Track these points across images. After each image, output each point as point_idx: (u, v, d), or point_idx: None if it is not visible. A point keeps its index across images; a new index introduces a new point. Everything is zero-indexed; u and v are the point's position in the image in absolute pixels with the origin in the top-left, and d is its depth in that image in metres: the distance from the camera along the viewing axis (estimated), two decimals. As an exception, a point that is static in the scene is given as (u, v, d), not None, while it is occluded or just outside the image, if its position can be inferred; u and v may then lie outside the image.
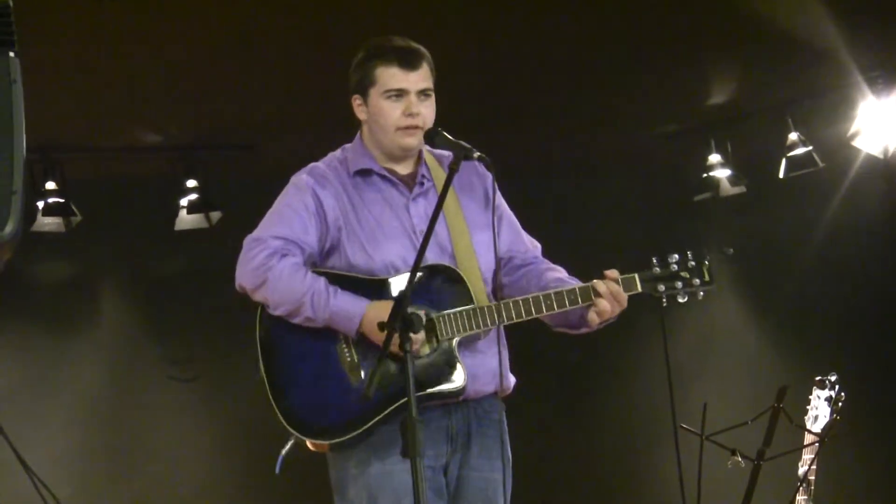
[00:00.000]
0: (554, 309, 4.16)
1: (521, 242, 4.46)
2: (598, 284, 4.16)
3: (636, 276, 4.23)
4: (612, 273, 4.20)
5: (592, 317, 4.19)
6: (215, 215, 9.22)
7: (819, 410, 6.04)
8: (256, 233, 4.24)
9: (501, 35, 7.64)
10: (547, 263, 4.44)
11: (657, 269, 4.26)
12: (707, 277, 4.29)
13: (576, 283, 4.26)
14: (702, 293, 4.29)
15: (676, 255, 4.28)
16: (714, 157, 9.34)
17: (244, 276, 4.19)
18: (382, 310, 3.99)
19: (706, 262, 4.29)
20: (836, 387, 6.05)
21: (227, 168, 9.35)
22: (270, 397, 4.15)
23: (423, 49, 4.29)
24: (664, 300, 4.27)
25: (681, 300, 4.28)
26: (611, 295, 4.15)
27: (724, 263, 4.41)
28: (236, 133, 9.06)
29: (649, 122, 9.34)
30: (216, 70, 7.85)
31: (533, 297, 4.15)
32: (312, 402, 4.15)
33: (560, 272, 4.38)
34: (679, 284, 4.26)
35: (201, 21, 7.14)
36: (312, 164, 4.36)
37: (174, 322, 9.88)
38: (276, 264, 4.14)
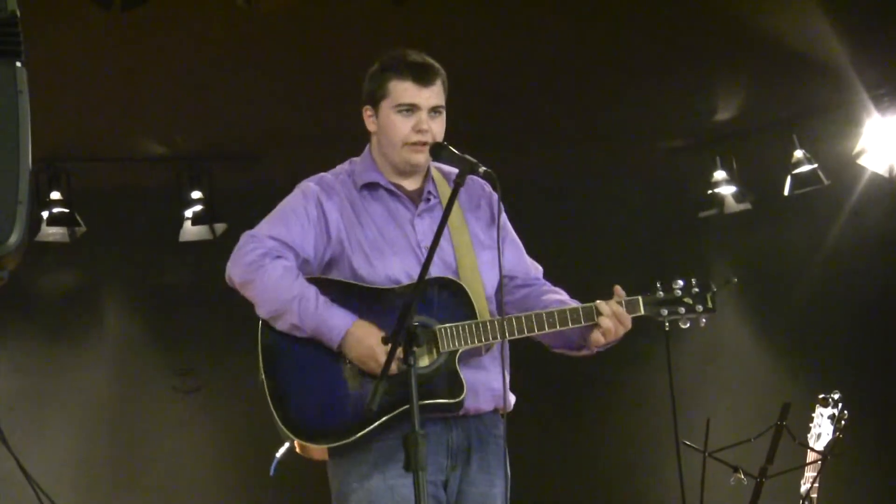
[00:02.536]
0: (556, 327, 4.17)
1: (523, 263, 4.45)
2: (602, 305, 4.17)
3: (640, 298, 4.24)
4: (618, 290, 4.21)
5: (597, 337, 4.19)
6: (220, 227, 9.23)
7: (822, 428, 6.03)
8: (254, 230, 4.25)
9: (505, 50, 7.64)
10: (548, 285, 4.44)
11: (661, 293, 4.27)
12: (710, 304, 4.30)
13: (577, 304, 4.27)
14: (704, 320, 4.31)
15: (681, 281, 4.29)
16: (719, 174, 9.33)
17: (235, 269, 4.20)
18: (366, 331, 4.05)
19: (710, 290, 4.30)
20: (840, 405, 6.05)
21: (232, 180, 9.36)
22: (269, 401, 4.13)
23: (437, 65, 4.29)
24: (667, 325, 4.28)
25: (683, 326, 4.30)
26: (614, 316, 4.16)
27: (728, 287, 4.41)
28: (242, 145, 9.07)
29: (655, 138, 9.34)
30: (222, 82, 7.87)
31: (535, 314, 4.16)
32: (312, 406, 4.13)
33: (561, 294, 4.38)
34: (682, 310, 4.28)
35: (207, 32, 7.15)
36: (321, 174, 4.36)
37: (178, 333, 9.88)
38: (267, 263, 4.14)
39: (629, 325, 4.20)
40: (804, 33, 7.36)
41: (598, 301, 4.19)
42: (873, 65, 7.92)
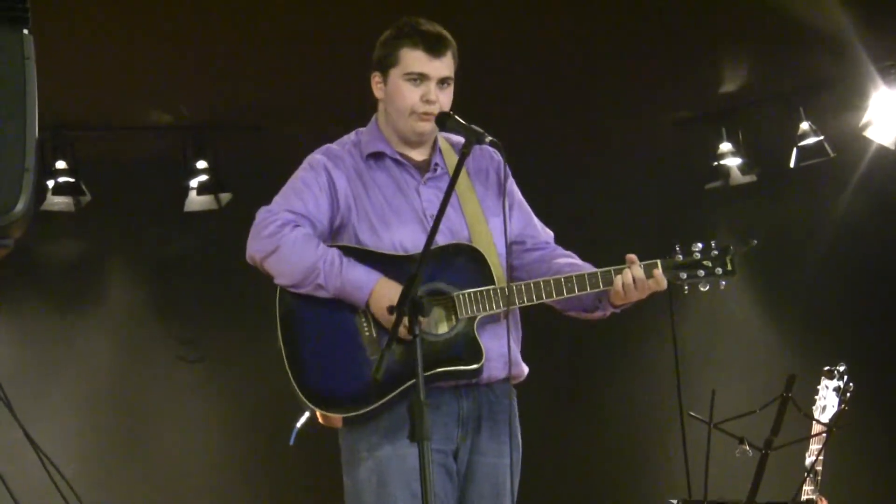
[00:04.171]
0: (575, 292, 4.16)
1: (532, 227, 4.45)
2: (626, 273, 4.15)
3: (658, 262, 4.21)
4: (632, 257, 4.20)
5: (617, 287, 4.17)
6: (225, 197, 9.23)
7: (827, 400, 6.04)
8: (270, 206, 4.26)
9: (512, 22, 7.62)
10: (560, 249, 4.43)
11: (679, 256, 4.25)
12: (730, 267, 4.26)
13: (590, 268, 4.25)
14: (724, 282, 4.26)
15: (700, 244, 4.26)
16: (725, 146, 9.32)
17: (255, 244, 4.21)
18: (393, 288, 4.03)
19: (730, 252, 4.27)
20: (845, 377, 6.05)
21: (238, 149, 9.35)
22: (287, 370, 4.14)
23: (449, 36, 4.29)
24: (686, 288, 4.26)
25: (702, 288, 4.25)
26: (634, 282, 4.15)
27: (748, 249, 4.38)
28: (247, 114, 9.06)
29: (661, 110, 9.33)
30: (228, 51, 7.85)
31: (554, 279, 4.16)
32: (329, 375, 4.14)
33: (573, 257, 4.38)
34: (701, 273, 4.24)
35: (214, 1, 7.14)
36: (326, 146, 4.37)
37: (182, 302, 9.89)
38: (288, 233, 4.15)
39: (644, 295, 4.19)
40: (811, 5, 7.33)
41: (625, 269, 4.16)
42: (880, 37, 7.89)
